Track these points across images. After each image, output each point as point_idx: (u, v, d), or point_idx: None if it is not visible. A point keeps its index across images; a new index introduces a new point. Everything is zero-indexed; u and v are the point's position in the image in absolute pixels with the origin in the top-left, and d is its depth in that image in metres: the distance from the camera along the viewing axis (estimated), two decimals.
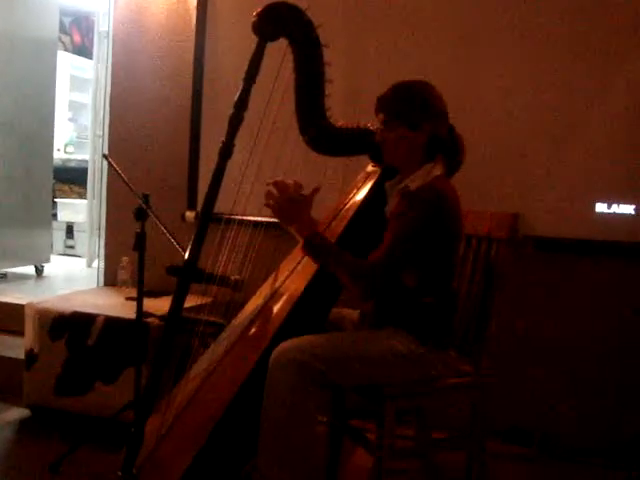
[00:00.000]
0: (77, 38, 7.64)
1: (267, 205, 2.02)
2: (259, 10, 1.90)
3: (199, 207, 3.14)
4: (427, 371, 2.04)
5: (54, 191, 5.90)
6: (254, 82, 1.79)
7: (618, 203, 2.85)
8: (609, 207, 2.86)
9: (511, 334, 2.73)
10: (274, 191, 2.02)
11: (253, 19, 1.89)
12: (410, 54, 3.03)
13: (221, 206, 1.85)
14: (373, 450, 2.09)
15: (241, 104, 1.78)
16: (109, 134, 3.87)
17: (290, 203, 2.01)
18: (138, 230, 2.37)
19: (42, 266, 5.03)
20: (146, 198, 2.41)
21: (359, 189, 2.25)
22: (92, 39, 5.69)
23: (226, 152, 1.77)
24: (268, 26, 1.88)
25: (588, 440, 2.82)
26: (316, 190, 2.04)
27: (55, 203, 6.02)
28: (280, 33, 1.95)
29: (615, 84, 2.82)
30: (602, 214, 2.87)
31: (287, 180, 2.06)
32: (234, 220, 2.17)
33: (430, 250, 1.97)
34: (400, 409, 2.04)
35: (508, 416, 2.85)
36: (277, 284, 2.16)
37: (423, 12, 3.07)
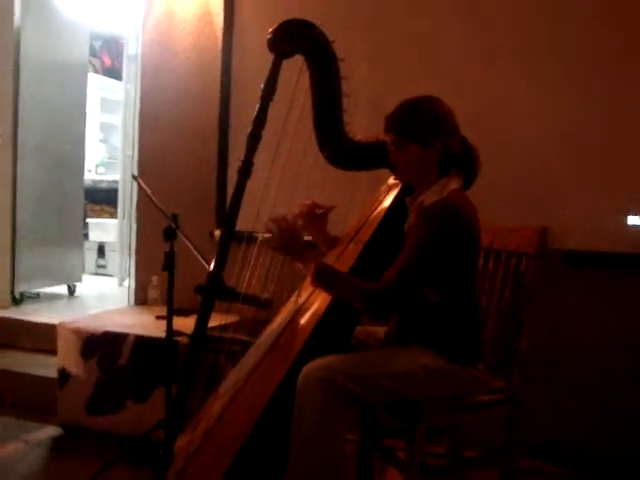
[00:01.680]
0: (107, 61, 7.77)
1: (264, 243, 2.05)
2: (274, 27, 1.91)
3: None
4: (458, 387, 2.03)
5: (86, 211, 5.98)
6: (271, 100, 1.80)
7: None
8: None
9: (541, 348, 2.69)
10: (271, 227, 2.03)
11: (268, 36, 1.90)
12: (434, 66, 3.04)
13: (243, 224, 1.86)
14: (404, 469, 2.07)
15: (259, 122, 1.79)
16: (139, 154, 3.92)
17: (286, 238, 2.03)
18: (167, 250, 2.38)
19: (74, 285, 5.09)
20: (175, 218, 2.43)
21: (381, 203, 2.24)
22: (122, 61, 5.79)
23: (245, 171, 1.78)
24: (283, 43, 1.89)
25: (623, 457, 2.77)
26: (330, 209, 2.04)
27: (87, 223, 6.11)
28: (295, 50, 1.96)
29: None
30: (634, 227, 2.83)
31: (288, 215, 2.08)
32: (256, 238, 2.18)
33: (447, 265, 1.94)
34: (431, 426, 2.02)
35: (541, 432, 2.80)
36: (301, 301, 2.16)
37: (445, 25, 3.08)
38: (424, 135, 1.98)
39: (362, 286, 1.95)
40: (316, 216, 2.25)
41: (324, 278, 1.99)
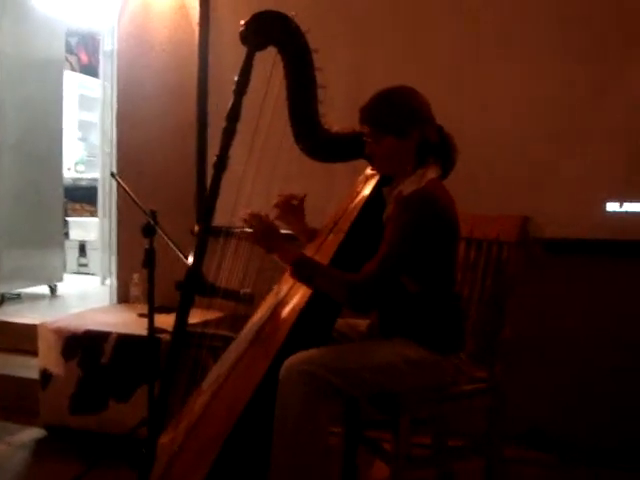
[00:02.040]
0: (84, 58, 7.70)
1: (244, 236, 2.04)
2: (246, 20, 1.90)
3: None
4: (440, 378, 2.03)
5: (66, 210, 5.93)
6: (245, 92, 1.79)
7: (630, 201, 2.82)
8: (620, 206, 2.84)
9: (524, 337, 2.70)
10: (250, 221, 2.03)
11: (240, 29, 1.89)
12: (413, 57, 3.03)
13: (221, 218, 1.85)
14: (390, 460, 2.07)
15: (233, 116, 1.78)
16: (117, 152, 3.89)
17: (267, 234, 2.02)
18: (147, 247, 2.36)
19: (55, 285, 5.05)
20: (153, 214, 2.40)
21: (358, 193, 2.23)
22: (98, 58, 5.73)
23: (221, 165, 1.77)
24: (256, 36, 1.89)
25: (605, 444, 2.78)
26: (303, 198, 2.03)
27: (67, 222, 6.05)
28: (268, 42, 1.95)
29: (623, 81, 2.80)
30: (613, 213, 2.84)
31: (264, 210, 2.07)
32: (234, 232, 2.17)
33: (426, 254, 1.94)
34: (415, 417, 2.02)
35: (525, 420, 2.82)
36: (281, 294, 2.15)
37: (426, 14, 3.07)
38: (399, 126, 1.97)
39: (342, 278, 1.94)
40: (293, 207, 2.24)
41: (302, 271, 1.98)
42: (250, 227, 2.03)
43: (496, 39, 2.96)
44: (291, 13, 1.99)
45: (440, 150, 2.05)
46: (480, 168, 2.80)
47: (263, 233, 2.03)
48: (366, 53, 3.14)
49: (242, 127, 1.80)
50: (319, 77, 2.06)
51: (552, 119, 2.89)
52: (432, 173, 2.01)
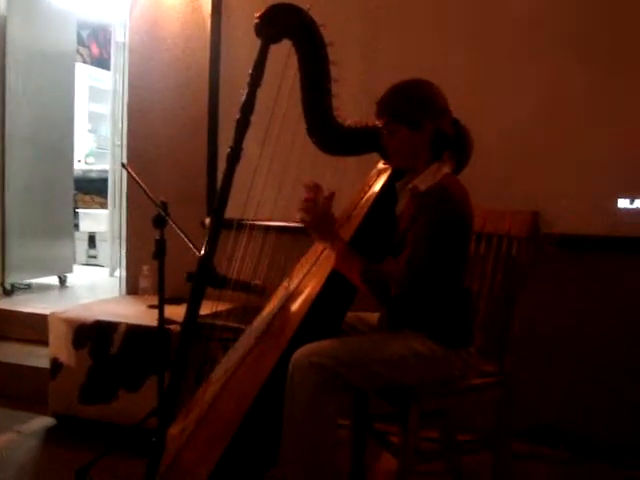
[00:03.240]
0: (95, 50, 7.72)
1: (302, 221, 2.02)
2: (260, 12, 1.90)
3: None
4: (449, 371, 2.03)
5: (75, 202, 5.95)
6: (259, 85, 1.79)
7: None
8: (632, 202, 2.83)
9: (534, 332, 2.70)
10: (307, 208, 2.00)
11: (255, 21, 1.89)
12: (426, 51, 3.03)
13: (233, 211, 1.85)
14: (398, 453, 2.08)
15: (247, 108, 1.78)
16: (128, 144, 3.90)
17: (325, 220, 2.01)
18: (157, 237, 2.37)
19: (65, 276, 5.07)
20: (164, 205, 2.41)
21: (370, 187, 2.23)
22: (110, 50, 5.74)
23: (234, 157, 1.77)
24: (270, 28, 1.87)
25: (618, 439, 2.78)
26: (332, 194, 2.03)
27: (77, 213, 6.08)
28: (282, 34, 1.94)
29: (635, 77, 2.79)
30: (625, 210, 2.83)
31: (301, 189, 2.04)
32: (246, 225, 2.17)
33: (442, 252, 1.93)
34: (424, 411, 2.02)
35: (535, 415, 2.82)
36: (292, 287, 2.16)
37: (439, 9, 3.06)
38: (414, 118, 1.97)
39: (387, 281, 1.91)
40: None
41: (349, 262, 1.97)
42: (305, 213, 2.00)
43: (512, 36, 2.94)
44: (306, 6, 1.98)
45: (456, 144, 2.04)
46: (492, 163, 2.79)
47: (320, 219, 2.01)
48: (380, 47, 3.13)
49: (255, 120, 1.79)
50: (333, 71, 2.05)
51: (563, 115, 2.88)
52: (447, 168, 2.01)
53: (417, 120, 1.97)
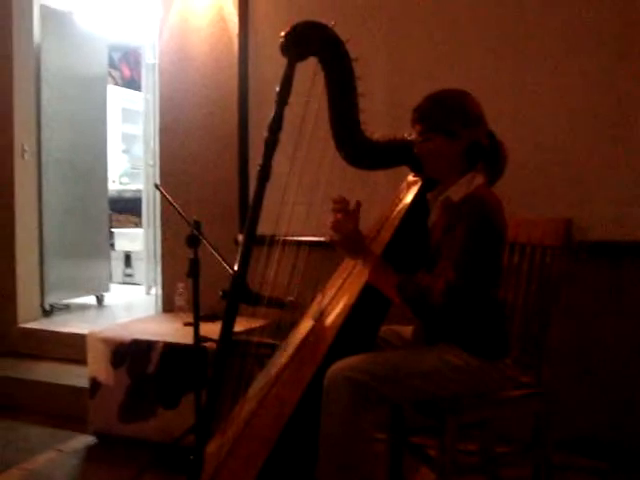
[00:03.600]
0: (126, 72, 7.85)
1: (331, 241, 2.03)
2: (286, 31, 1.92)
3: None
4: (486, 383, 2.01)
5: (111, 221, 6.04)
6: (286, 103, 1.80)
7: None
8: None
9: (571, 342, 2.67)
10: (336, 226, 2.01)
11: (280, 40, 1.91)
12: (452, 63, 3.02)
13: (265, 227, 1.87)
14: (435, 466, 2.06)
15: (275, 127, 1.79)
16: (160, 163, 3.95)
17: (354, 237, 2.01)
18: (191, 256, 2.40)
19: (102, 295, 5.15)
20: (197, 224, 2.44)
21: (401, 200, 2.24)
22: (140, 72, 5.84)
23: (264, 175, 1.78)
24: (295, 47, 1.89)
25: None
26: (359, 205, 2.03)
27: (112, 233, 6.17)
28: (308, 52, 1.96)
29: None
30: None
31: (330, 204, 2.05)
32: (278, 241, 2.19)
33: (481, 262, 1.92)
34: (461, 423, 2.00)
35: (573, 426, 2.77)
36: (325, 302, 2.16)
37: (464, 20, 3.06)
38: (451, 127, 1.98)
39: (430, 292, 1.89)
40: (348, 213, 2.23)
41: (384, 278, 1.97)
42: (336, 231, 2.02)
43: (539, 43, 2.93)
44: (330, 23, 2.00)
45: (489, 156, 2.04)
46: (524, 171, 2.77)
47: (349, 236, 2.02)
48: (405, 61, 3.14)
49: (284, 137, 1.81)
50: (359, 86, 2.07)
51: (596, 120, 2.85)
52: (480, 178, 2.01)
53: (454, 130, 1.98)
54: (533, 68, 2.93)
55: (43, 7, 4.44)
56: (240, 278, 1.77)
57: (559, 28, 2.90)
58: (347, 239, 2.02)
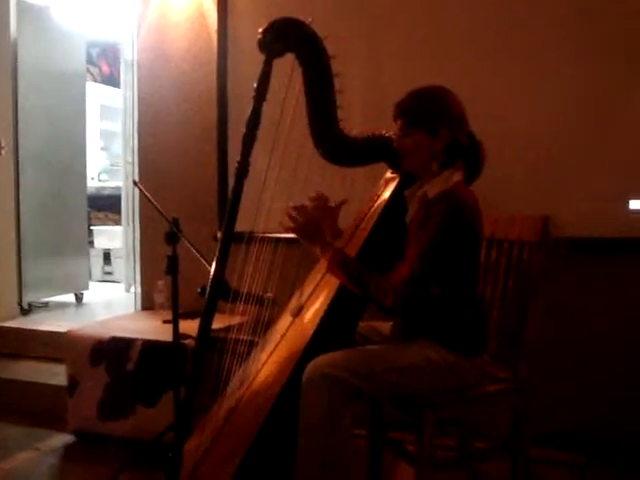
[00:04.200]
0: (105, 68, 7.79)
1: (288, 229, 2.04)
2: (263, 27, 1.92)
3: None
4: (464, 379, 2.03)
5: (90, 219, 5.99)
6: (264, 99, 1.80)
7: None
8: None
9: (550, 337, 2.69)
10: (295, 215, 2.03)
11: (258, 36, 1.91)
12: (430, 59, 3.03)
13: (244, 224, 1.87)
14: (414, 461, 2.07)
15: (252, 123, 1.79)
16: (139, 161, 3.93)
17: (311, 225, 2.03)
18: (170, 254, 2.39)
19: (82, 293, 5.11)
20: (176, 221, 2.44)
21: (379, 197, 2.24)
22: (119, 68, 5.80)
23: (242, 172, 1.78)
24: (273, 43, 1.89)
25: (638, 444, 2.76)
26: (342, 203, 2.04)
27: (91, 231, 6.12)
28: (285, 49, 1.96)
29: None
30: (637, 211, 2.82)
31: (307, 201, 2.07)
32: (256, 237, 2.19)
33: (452, 257, 1.93)
34: (439, 418, 2.01)
35: (553, 421, 2.80)
36: (304, 298, 2.16)
37: (441, 16, 3.07)
38: (432, 123, 1.99)
39: (385, 280, 1.92)
40: (329, 208, 2.23)
41: (343, 266, 1.97)
42: (293, 220, 2.03)
43: (517, 38, 2.95)
44: (308, 19, 2.00)
45: (468, 155, 2.05)
46: (501, 168, 2.77)
47: (307, 224, 2.03)
48: (384, 58, 3.14)
49: (262, 133, 1.81)
50: (337, 82, 2.07)
51: (573, 117, 2.87)
52: (458, 175, 2.02)
53: (435, 126, 1.99)
54: (514, 65, 2.95)
55: (20, 2, 4.39)
56: (218, 275, 1.77)
57: (533, 23, 2.92)
58: (303, 226, 2.03)
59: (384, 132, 2.15)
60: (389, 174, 2.28)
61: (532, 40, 2.92)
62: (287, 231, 2.04)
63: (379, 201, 2.21)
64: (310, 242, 2.05)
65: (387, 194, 2.20)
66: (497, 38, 2.97)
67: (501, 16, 2.97)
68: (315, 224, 2.05)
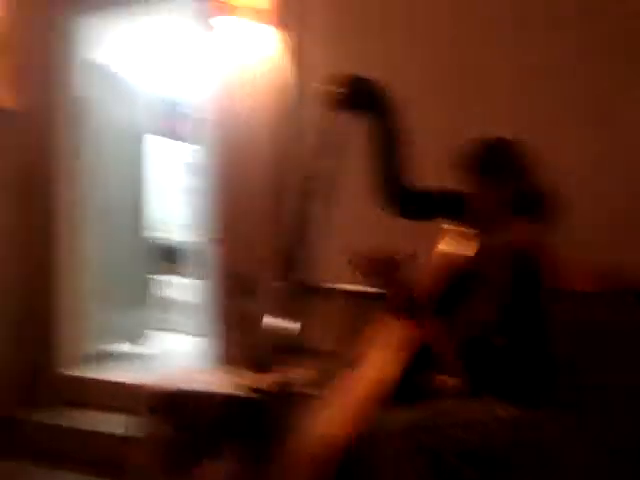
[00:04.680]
0: (178, 126, 7.98)
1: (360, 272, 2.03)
2: (336, 86, 1.95)
3: None
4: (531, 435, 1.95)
5: (159, 270, 6.07)
6: (328, 154, 1.82)
7: None
8: None
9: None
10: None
11: (333, 95, 1.93)
12: (500, 109, 2.95)
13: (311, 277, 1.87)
14: None
15: (314, 176, 1.80)
16: (213, 216, 3.89)
17: (382, 266, 2.02)
18: (241, 307, 2.39)
19: (145, 344, 5.16)
20: (248, 277, 2.43)
21: (445, 250, 2.22)
22: (192, 125, 5.93)
23: (303, 225, 1.79)
24: (345, 102, 1.94)
25: None
26: (413, 256, 2.03)
27: (159, 282, 6.18)
28: (356, 106, 1.99)
29: None
30: None
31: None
32: (322, 290, 2.18)
33: (516, 308, 1.90)
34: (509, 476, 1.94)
35: None
36: (372, 355, 2.14)
37: (503, 55, 3.03)
38: (498, 175, 1.99)
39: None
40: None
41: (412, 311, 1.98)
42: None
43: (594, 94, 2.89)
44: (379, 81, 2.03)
45: (535, 206, 2.04)
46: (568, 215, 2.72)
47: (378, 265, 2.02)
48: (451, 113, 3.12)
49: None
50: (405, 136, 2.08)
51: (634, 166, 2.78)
52: (524, 227, 2.00)
53: (501, 178, 1.99)
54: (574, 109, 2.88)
55: (94, 64, 4.55)
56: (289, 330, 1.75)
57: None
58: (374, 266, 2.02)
59: (451, 186, 2.12)
60: (446, 225, 2.25)
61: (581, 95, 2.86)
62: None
63: (448, 255, 2.18)
64: (385, 282, 2.03)
65: (450, 247, 2.17)
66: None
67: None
68: (386, 263, 2.02)
